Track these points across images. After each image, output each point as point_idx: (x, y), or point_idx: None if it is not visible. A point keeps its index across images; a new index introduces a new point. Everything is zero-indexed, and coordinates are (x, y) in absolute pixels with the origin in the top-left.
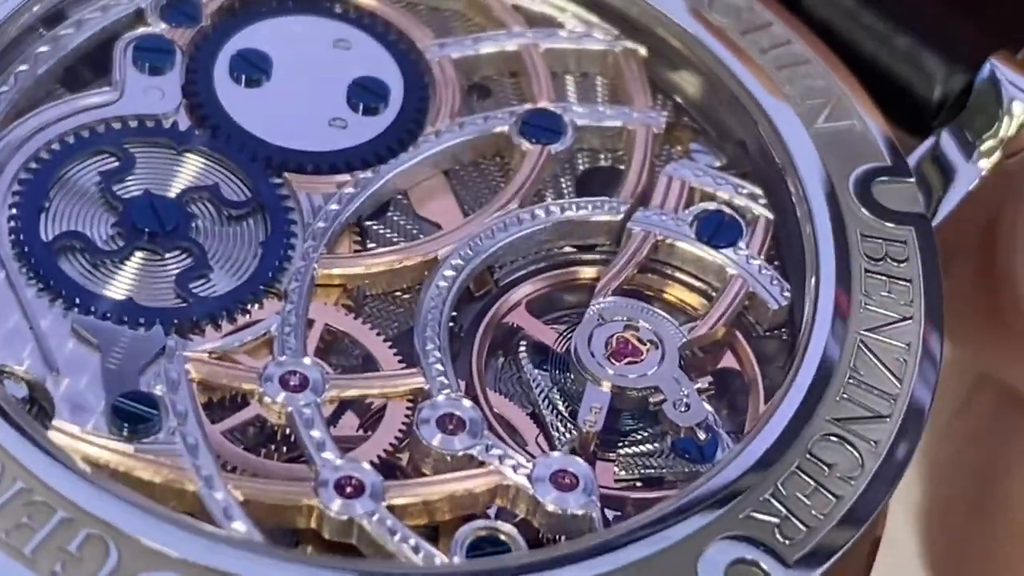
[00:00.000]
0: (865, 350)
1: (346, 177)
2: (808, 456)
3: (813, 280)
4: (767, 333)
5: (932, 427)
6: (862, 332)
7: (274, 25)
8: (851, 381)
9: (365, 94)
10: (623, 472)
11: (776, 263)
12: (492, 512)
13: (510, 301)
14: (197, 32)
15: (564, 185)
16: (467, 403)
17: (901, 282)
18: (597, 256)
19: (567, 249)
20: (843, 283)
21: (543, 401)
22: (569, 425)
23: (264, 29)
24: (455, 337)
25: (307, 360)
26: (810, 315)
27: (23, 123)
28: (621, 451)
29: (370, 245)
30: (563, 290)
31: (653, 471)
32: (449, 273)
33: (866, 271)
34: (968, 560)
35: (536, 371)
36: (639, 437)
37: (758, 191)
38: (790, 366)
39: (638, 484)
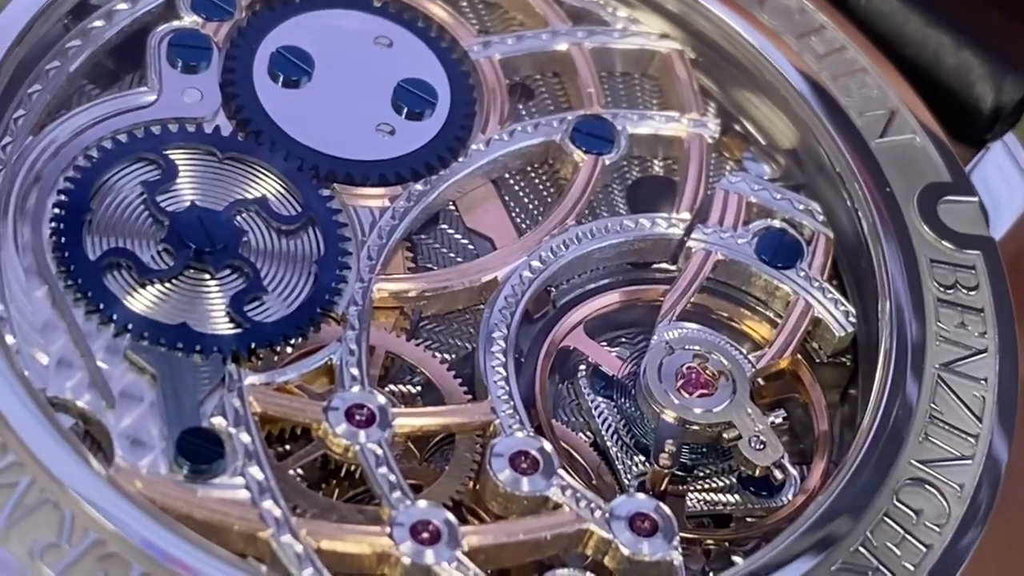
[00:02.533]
0: (944, 387)
1: (397, 189)
2: (896, 502)
3: (888, 309)
4: (830, 359)
5: None
6: (939, 367)
7: (311, 20)
8: (932, 421)
9: (412, 98)
10: (695, 509)
11: (834, 282)
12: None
13: (568, 323)
14: (232, 26)
15: (615, 195)
16: (540, 441)
17: (973, 312)
18: (655, 274)
19: (624, 267)
20: (918, 314)
21: (607, 431)
22: (636, 457)
23: (301, 24)
24: (515, 363)
25: (374, 393)
26: (887, 348)
27: (59, 126)
28: (689, 487)
29: (421, 261)
30: (620, 310)
31: (721, 508)
32: (511, 296)
33: (938, 300)
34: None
35: (598, 399)
36: (706, 472)
37: (815, 206)
38: (867, 403)
39: (706, 521)
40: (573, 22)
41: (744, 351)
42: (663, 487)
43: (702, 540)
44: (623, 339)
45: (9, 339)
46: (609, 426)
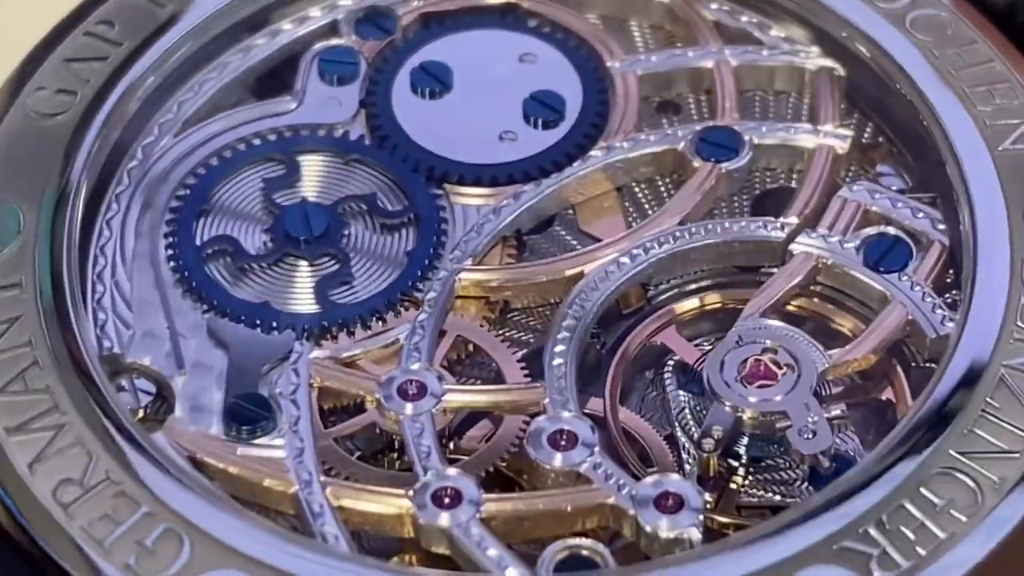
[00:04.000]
0: (1007, 382)
1: (507, 190)
2: (921, 490)
3: (965, 307)
4: (927, 363)
5: None
6: (1007, 364)
7: (464, 39)
8: (984, 415)
9: (541, 108)
10: (753, 499)
11: (954, 291)
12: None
13: (661, 320)
14: (387, 45)
15: (740, 205)
16: (582, 420)
17: None
18: (759, 277)
19: (730, 270)
20: (995, 311)
21: (679, 422)
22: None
23: (454, 43)
24: (596, 354)
25: (428, 369)
26: (954, 343)
27: (199, 129)
28: (755, 477)
29: (528, 258)
30: (720, 311)
31: (783, 498)
32: (591, 288)
33: (1023, 301)
34: None
35: (678, 392)
36: (775, 464)
37: (938, 216)
38: (921, 395)
39: (767, 512)
40: (727, 42)
41: (822, 348)
42: (713, 473)
43: (739, 525)
44: (718, 339)
45: (101, 315)
46: (683, 417)
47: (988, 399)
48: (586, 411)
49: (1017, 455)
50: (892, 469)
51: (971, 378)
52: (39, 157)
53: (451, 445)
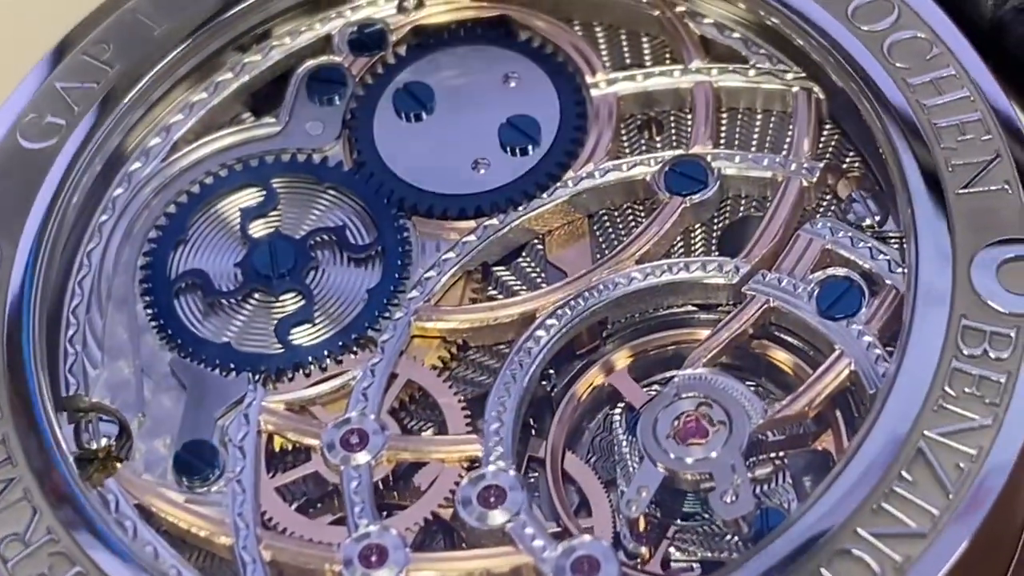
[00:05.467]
0: (925, 454)
1: (472, 224)
2: (821, 570)
3: (895, 365)
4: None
5: None
6: (927, 434)
7: (452, 56)
8: (896, 489)
9: (515, 135)
10: (683, 554)
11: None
12: None
13: (613, 361)
14: (375, 62)
15: (700, 236)
16: (512, 476)
17: (992, 380)
18: (715, 317)
19: (689, 308)
20: (924, 373)
21: (620, 470)
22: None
23: (439, 61)
24: (547, 395)
25: (372, 418)
26: (878, 406)
27: (184, 156)
28: (686, 533)
29: (491, 292)
30: (673, 352)
31: (713, 554)
32: (541, 333)
33: (955, 364)
34: None
35: (623, 437)
36: (706, 518)
37: (897, 258)
38: (834, 468)
39: (694, 566)
40: (715, 60)
41: (759, 402)
42: (643, 529)
43: None
44: (668, 381)
45: (71, 353)
46: (623, 465)
47: (903, 472)
48: (531, 455)
49: (924, 534)
50: (797, 546)
51: (888, 448)
52: (23, 188)
53: (400, 484)
